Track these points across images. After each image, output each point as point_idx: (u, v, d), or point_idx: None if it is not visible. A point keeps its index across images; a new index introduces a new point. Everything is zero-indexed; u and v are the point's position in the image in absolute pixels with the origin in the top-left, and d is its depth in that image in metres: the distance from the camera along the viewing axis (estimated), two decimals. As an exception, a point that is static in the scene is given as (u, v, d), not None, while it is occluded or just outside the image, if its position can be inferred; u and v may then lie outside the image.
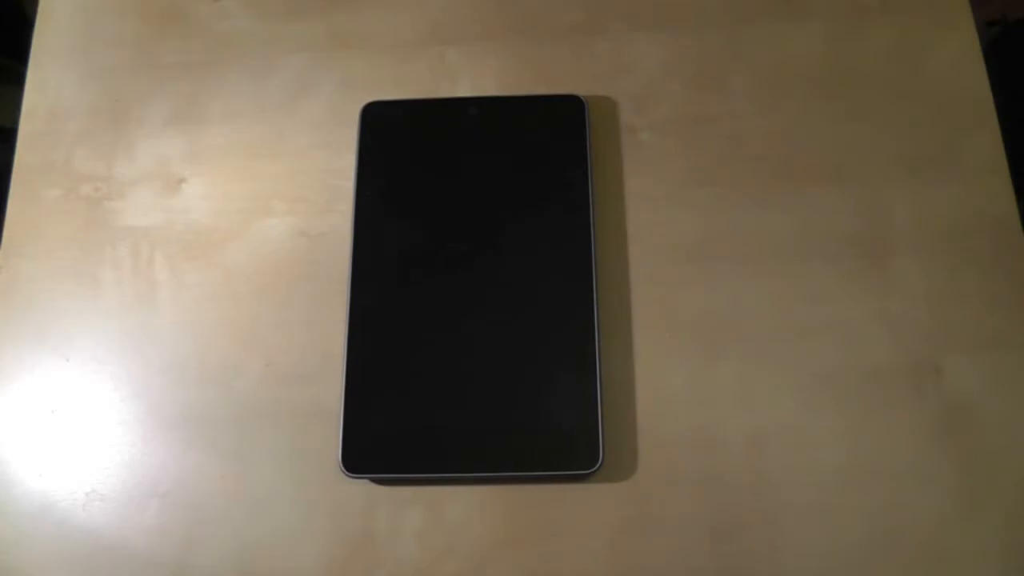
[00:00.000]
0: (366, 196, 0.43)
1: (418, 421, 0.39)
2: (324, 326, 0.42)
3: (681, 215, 0.43)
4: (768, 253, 0.42)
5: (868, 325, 0.40)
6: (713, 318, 0.41)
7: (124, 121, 0.46)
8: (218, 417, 0.41)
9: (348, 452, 0.39)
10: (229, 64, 0.47)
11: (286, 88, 0.46)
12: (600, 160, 0.44)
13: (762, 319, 0.41)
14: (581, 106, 0.44)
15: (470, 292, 0.41)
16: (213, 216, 0.44)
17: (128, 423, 0.41)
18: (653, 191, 0.43)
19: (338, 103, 0.46)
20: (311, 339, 0.42)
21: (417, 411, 0.39)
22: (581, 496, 0.39)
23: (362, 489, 0.39)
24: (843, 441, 0.39)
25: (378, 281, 0.41)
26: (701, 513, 0.38)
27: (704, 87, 0.45)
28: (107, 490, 0.40)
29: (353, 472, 0.38)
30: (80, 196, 0.45)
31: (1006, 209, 0.42)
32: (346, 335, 0.40)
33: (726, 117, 0.44)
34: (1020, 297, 0.41)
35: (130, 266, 0.44)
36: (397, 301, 0.41)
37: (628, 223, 0.43)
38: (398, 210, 0.42)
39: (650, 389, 0.40)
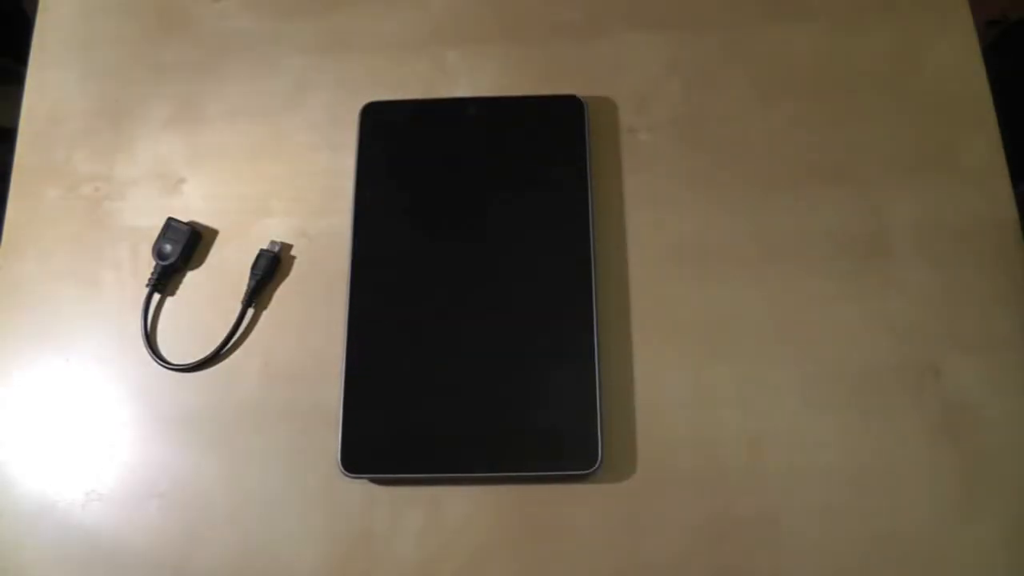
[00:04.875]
0: (366, 196, 0.43)
1: (417, 421, 0.39)
2: (324, 326, 0.42)
3: (681, 215, 0.43)
4: (768, 253, 0.42)
5: (867, 325, 0.40)
6: (712, 318, 0.41)
7: (124, 121, 0.46)
8: (218, 417, 0.41)
9: (348, 452, 0.39)
10: (229, 64, 0.47)
11: (286, 88, 0.46)
12: (599, 160, 0.44)
13: (761, 319, 0.41)
14: (580, 106, 0.44)
15: (469, 292, 0.41)
16: (213, 216, 0.44)
17: (128, 423, 0.41)
18: (653, 191, 0.43)
19: (338, 103, 0.46)
20: (311, 339, 0.42)
21: (416, 411, 0.39)
22: (580, 496, 0.39)
23: (362, 489, 0.39)
24: (843, 441, 0.39)
25: (378, 281, 0.41)
26: (700, 513, 0.38)
27: (704, 87, 0.45)
28: (107, 490, 0.40)
29: (353, 472, 0.38)
30: (80, 196, 0.45)
31: (1005, 209, 0.42)
32: (346, 335, 0.40)
33: (726, 117, 0.44)
34: (1019, 298, 0.41)
35: (130, 266, 0.44)
36: (396, 301, 0.41)
37: (627, 223, 0.43)
38: (398, 210, 0.43)
39: (649, 389, 0.40)
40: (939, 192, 0.42)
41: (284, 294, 0.43)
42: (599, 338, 0.40)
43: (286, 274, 0.43)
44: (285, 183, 0.45)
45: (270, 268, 0.42)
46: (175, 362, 0.42)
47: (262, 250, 0.43)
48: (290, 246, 0.43)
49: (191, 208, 0.45)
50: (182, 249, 0.43)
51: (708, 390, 0.40)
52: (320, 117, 0.46)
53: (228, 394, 0.41)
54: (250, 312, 0.42)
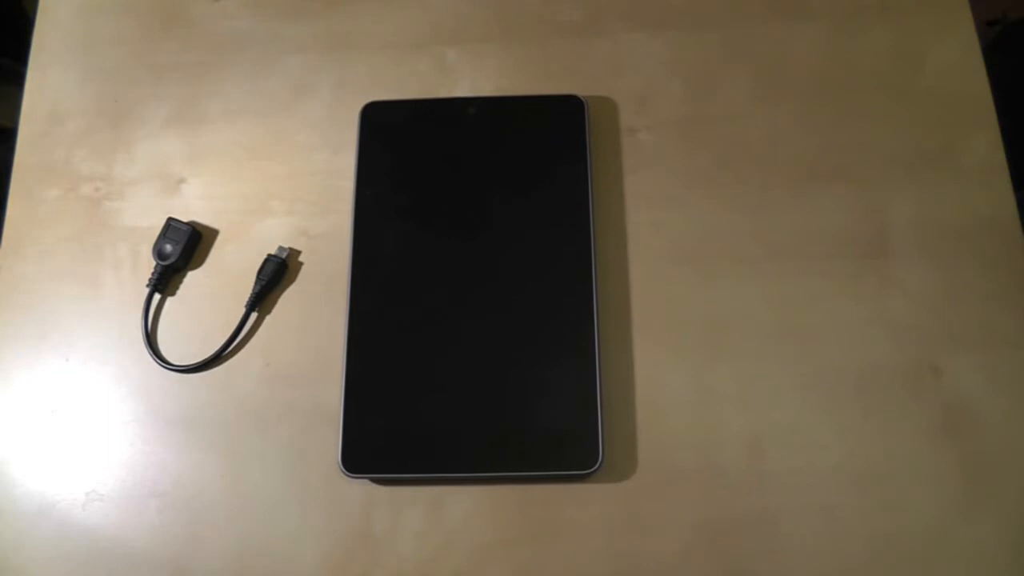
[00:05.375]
0: (366, 196, 0.43)
1: (418, 421, 0.39)
2: (324, 326, 0.42)
3: (681, 215, 0.43)
4: (767, 253, 0.42)
5: (867, 325, 0.40)
6: (712, 318, 0.41)
7: (124, 121, 0.46)
8: (218, 417, 0.41)
9: (348, 452, 0.39)
10: (229, 64, 0.47)
11: (286, 88, 0.46)
12: (600, 160, 0.44)
13: (761, 319, 0.41)
14: (581, 106, 0.44)
15: (469, 292, 0.41)
16: (213, 216, 0.44)
17: (128, 423, 0.41)
18: (652, 191, 0.43)
19: (338, 103, 0.46)
20: (311, 339, 0.42)
21: (417, 411, 0.39)
22: (581, 496, 0.39)
23: (362, 489, 0.39)
24: (843, 441, 0.39)
25: (378, 281, 0.41)
26: (701, 513, 0.38)
27: (704, 87, 0.45)
28: (107, 490, 0.40)
29: (353, 472, 0.38)
30: (80, 196, 0.45)
31: (1006, 209, 0.42)
32: (346, 335, 0.40)
33: (726, 117, 0.44)
34: (1019, 297, 0.41)
35: (130, 266, 0.44)
36: (397, 301, 0.41)
37: (628, 223, 0.43)
38: (398, 210, 0.42)
39: (650, 389, 0.40)
40: (939, 192, 0.42)
41: (284, 294, 0.43)
42: (599, 338, 0.40)
43: (291, 279, 0.43)
44: (285, 183, 0.45)
45: (277, 274, 0.42)
46: (175, 361, 0.42)
47: (270, 255, 0.43)
48: (298, 252, 0.43)
49: (191, 208, 0.45)
50: (183, 249, 0.43)
51: (708, 390, 0.40)
52: (320, 117, 0.46)
53: (229, 394, 0.41)
54: (252, 314, 0.42)
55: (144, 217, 0.44)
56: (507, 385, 0.39)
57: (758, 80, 0.45)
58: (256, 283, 0.42)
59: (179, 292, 0.43)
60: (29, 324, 0.43)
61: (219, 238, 0.44)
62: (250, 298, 0.42)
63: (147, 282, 0.43)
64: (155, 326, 0.43)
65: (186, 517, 0.39)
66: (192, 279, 0.43)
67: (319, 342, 0.41)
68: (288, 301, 0.43)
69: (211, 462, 0.40)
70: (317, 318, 0.42)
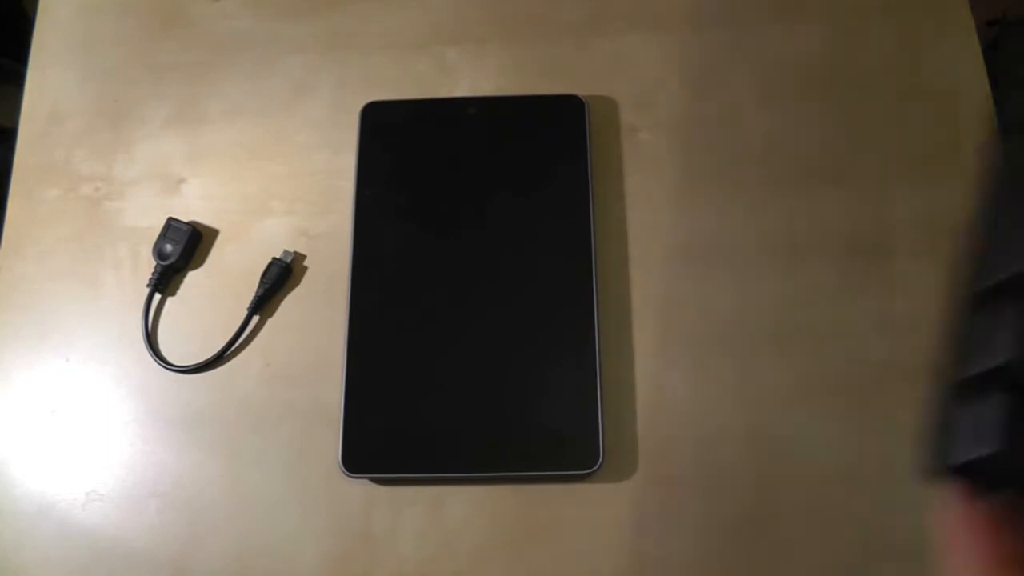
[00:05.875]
0: (366, 196, 0.43)
1: (418, 421, 0.39)
2: (324, 326, 0.42)
3: (681, 215, 0.43)
4: (768, 253, 0.42)
5: (868, 325, 0.40)
6: (713, 318, 0.41)
7: (124, 121, 0.46)
8: (218, 417, 0.41)
9: (348, 452, 0.39)
10: (229, 64, 0.47)
11: (286, 88, 0.46)
12: (600, 160, 0.44)
13: (762, 319, 0.41)
14: (581, 106, 0.44)
15: (470, 292, 0.41)
16: (213, 216, 0.44)
17: (128, 423, 0.41)
18: (653, 191, 0.43)
19: (338, 103, 0.46)
20: (311, 339, 0.42)
21: (417, 411, 0.39)
22: (580, 496, 0.39)
23: (362, 489, 0.39)
24: (843, 441, 0.39)
25: (378, 281, 0.41)
26: (701, 513, 0.38)
27: (704, 87, 0.45)
28: (107, 490, 0.40)
29: (353, 472, 0.38)
30: (80, 196, 0.45)
31: (1006, 209, 0.42)
32: (346, 335, 0.40)
33: (726, 117, 0.44)
34: (1020, 297, 0.40)
35: (130, 266, 0.44)
36: (397, 301, 0.41)
37: (628, 223, 0.43)
38: (398, 210, 0.42)
39: (650, 389, 0.40)
40: (939, 191, 0.42)
41: (284, 294, 0.43)
42: (600, 338, 0.40)
43: (296, 282, 0.43)
44: (285, 183, 0.45)
45: (281, 278, 0.42)
46: (175, 362, 0.42)
47: (275, 259, 0.42)
48: (303, 256, 0.43)
49: (191, 208, 0.45)
50: (183, 249, 0.43)
51: (708, 390, 0.40)
52: (320, 117, 0.46)
53: (229, 394, 0.41)
54: (254, 316, 0.42)
55: (144, 217, 0.44)
56: (507, 385, 0.39)
57: (758, 80, 0.45)
58: (260, 286, 0.42)
59: (179, 292, 0.43)
60: (29, 324, 0.43)
61: (219, 238, 0.44)
62: (253, 301, 0.42)
63: (147, 282, 0.43)
64: (155, 326, 0.43)
65: (186, 517, 0.39)
66: (192, 279, 0.43)
67: (319, 342, 0.41)
68: (288, 301, 0.43)
69: (211, 462, 0.40)
70: (317, 318, 0.42)
